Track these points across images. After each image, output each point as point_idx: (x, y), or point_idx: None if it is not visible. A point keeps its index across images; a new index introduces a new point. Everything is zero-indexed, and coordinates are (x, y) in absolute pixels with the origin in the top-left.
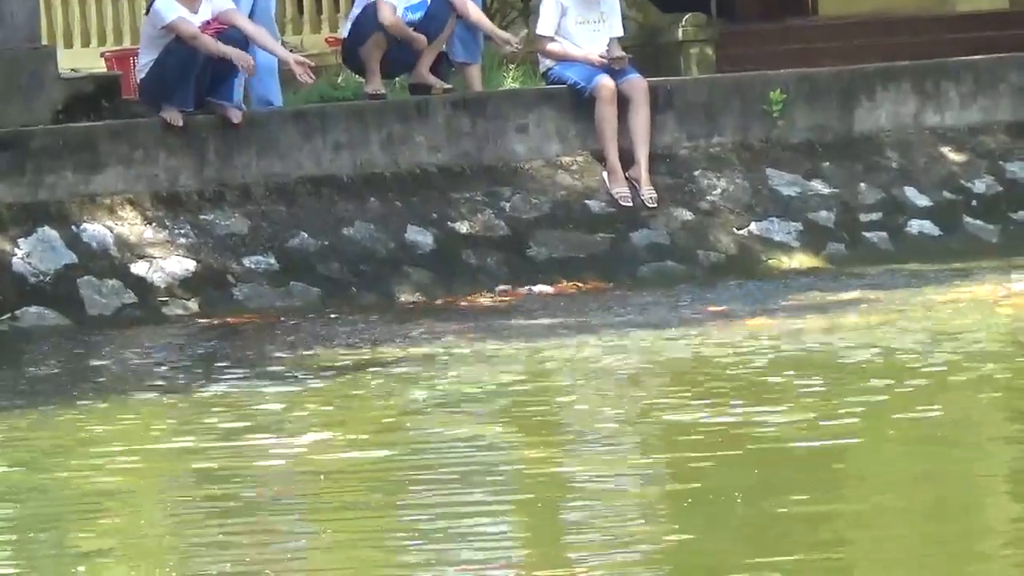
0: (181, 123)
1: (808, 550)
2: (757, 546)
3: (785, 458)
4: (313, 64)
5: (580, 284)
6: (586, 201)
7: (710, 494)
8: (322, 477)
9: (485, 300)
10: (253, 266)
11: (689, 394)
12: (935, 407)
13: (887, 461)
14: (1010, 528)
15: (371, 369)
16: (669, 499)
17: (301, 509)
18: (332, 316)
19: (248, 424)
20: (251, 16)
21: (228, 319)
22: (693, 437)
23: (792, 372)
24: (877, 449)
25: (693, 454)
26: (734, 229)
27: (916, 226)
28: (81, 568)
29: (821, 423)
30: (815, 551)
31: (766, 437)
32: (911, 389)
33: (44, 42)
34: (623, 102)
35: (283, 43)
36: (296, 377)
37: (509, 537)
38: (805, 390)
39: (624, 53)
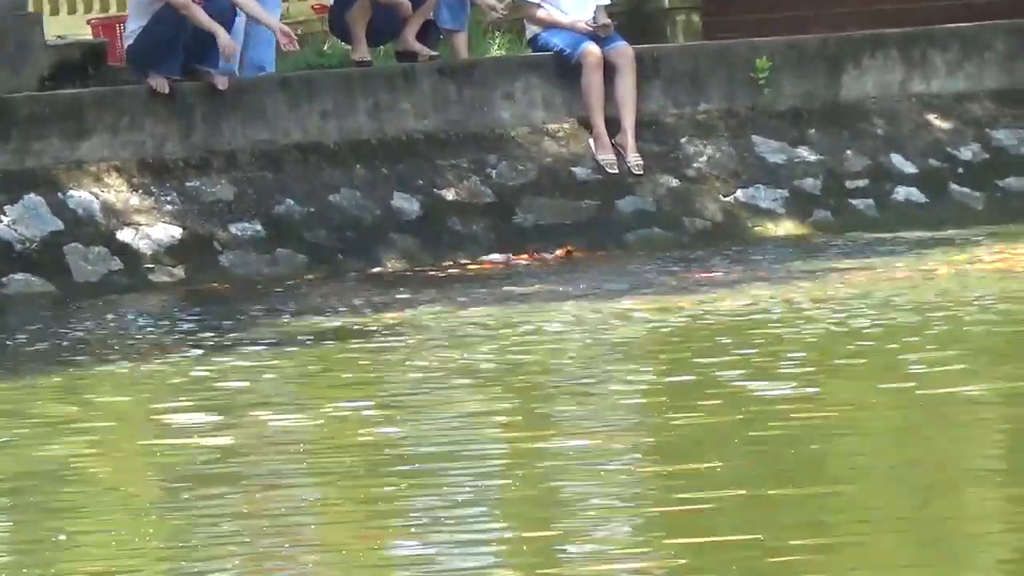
0: (168, 90)
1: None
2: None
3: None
4: (298, 32)
5: (569, 251)
6: (572, 168)
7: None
8: (301, 447)
9: (472, 267)
10: (239, 233)
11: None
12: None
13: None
14: None
15: (355, 339)
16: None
17: (282, 478)
18: (318, 283)
19: (232, 393)
20: None
21: (214, 285)
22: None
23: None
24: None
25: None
26: (720, 196)
27: (903, 193)
28: (59, 526)
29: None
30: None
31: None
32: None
33: (30, 9)
34: (609, 69)
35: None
36: (279, 345)
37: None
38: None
39: (610, 20)
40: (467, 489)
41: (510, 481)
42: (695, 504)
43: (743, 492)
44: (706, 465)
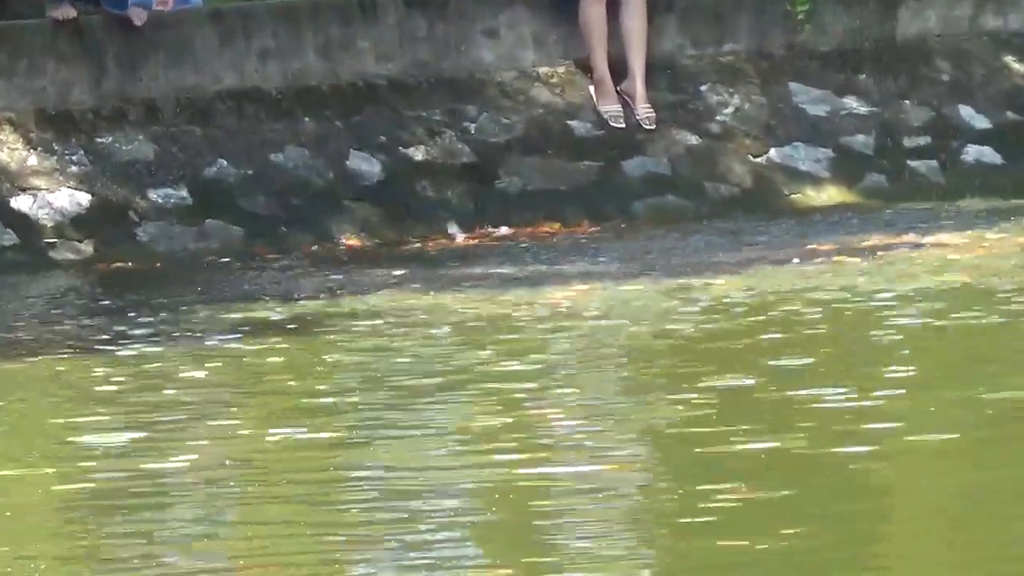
0: (75, 14)
1: None
2: None
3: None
4: None
5: (561, 224)
6: (568, 122)
7: None
8: (227, 463)
9: (444, 242)
10: (161, 200)
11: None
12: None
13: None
14: None
15: (299, 332)
16: None
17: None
18: (256, 261)
19: (148, 394)
20: None
21: (129, 264)
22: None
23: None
24: None
25: None
26: (750, 156)
27: (973, 153)
28: None
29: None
30: None
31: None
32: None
33: None
34: (614, 1)
35: None
36: (207, 338)
37: None
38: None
39: None
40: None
41: None
42: None
43: None
44: None
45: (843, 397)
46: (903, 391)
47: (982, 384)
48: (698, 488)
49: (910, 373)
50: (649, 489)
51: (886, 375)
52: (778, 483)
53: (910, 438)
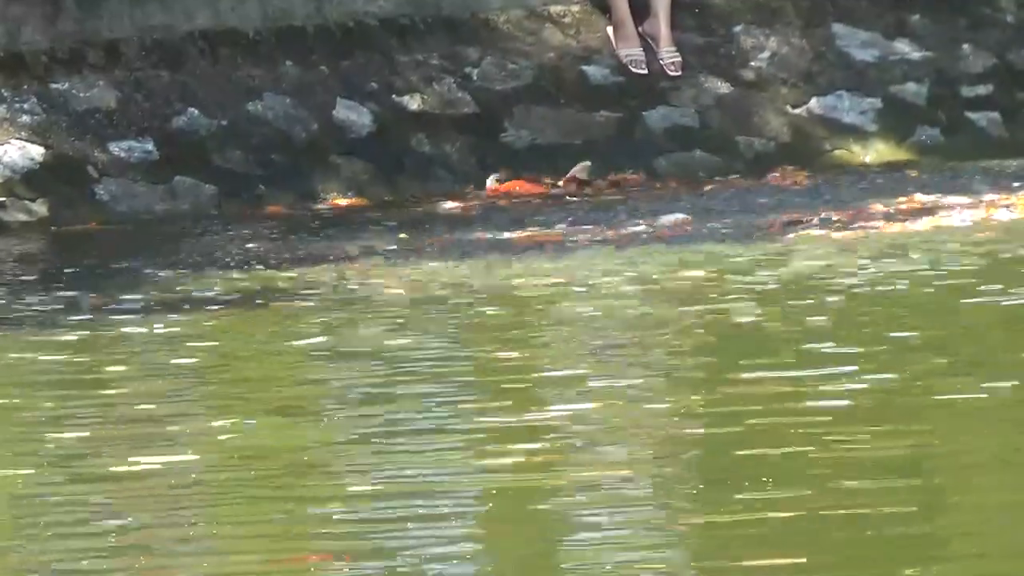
0: None
1: None
2: None
3: None
4: None
5: (581, 180)
6: (583, 67)
7: None
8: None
9: (443, 202)
10: (124, 154)
11: None
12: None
13: None
14: None
15: (278, 303)
16: None
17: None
18: (231, 223)
19: (110, 373)
20: None
21: (88, 227)
22: None
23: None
24: None
25: None
26: (788, 107)
27: None
28: None
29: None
30: None
31: None
32: None
33: None
34: None
35: None
36: (174, 314)
37: None
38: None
39: None
40: None
41: None
42: None
43: None
44: None
45: None
46: None
47: None
48: None
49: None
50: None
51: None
52: None
53: None
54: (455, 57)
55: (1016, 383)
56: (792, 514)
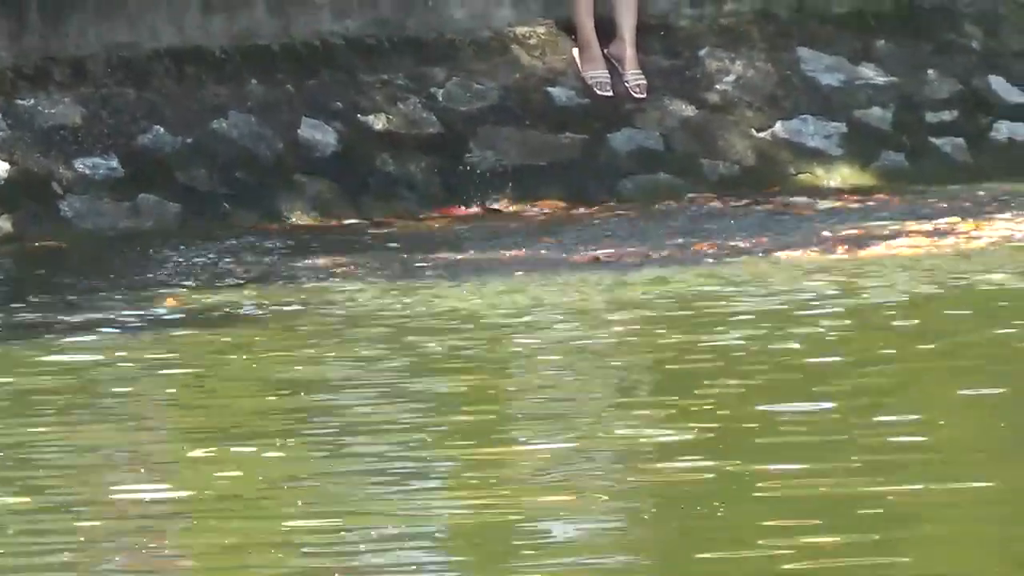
0: None
1: None
2: None
3: None
4: None
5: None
6: (549, 89)
7: None
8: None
9: (407, 223)
10: (88, 171)
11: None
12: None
13: None
14: None
15: (248, 329)
16: None
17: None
18: (195, 242)
19: (72, 396)
20: None
21: (52, 244)
22: None
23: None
24: None
25: None
26: (753, 130)
27: (1005, 130)
28: None
29: None
30: None
31: None
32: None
33: None
34: None
35: None
36: (134, 329)
37: None
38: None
39: None
40: None
41: None
42: None
43: None
44: None
45: None
46: None
47: None
48: None
49: None
50: None
51: None
52: None
53: None
54: (421, 77)
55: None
56: None
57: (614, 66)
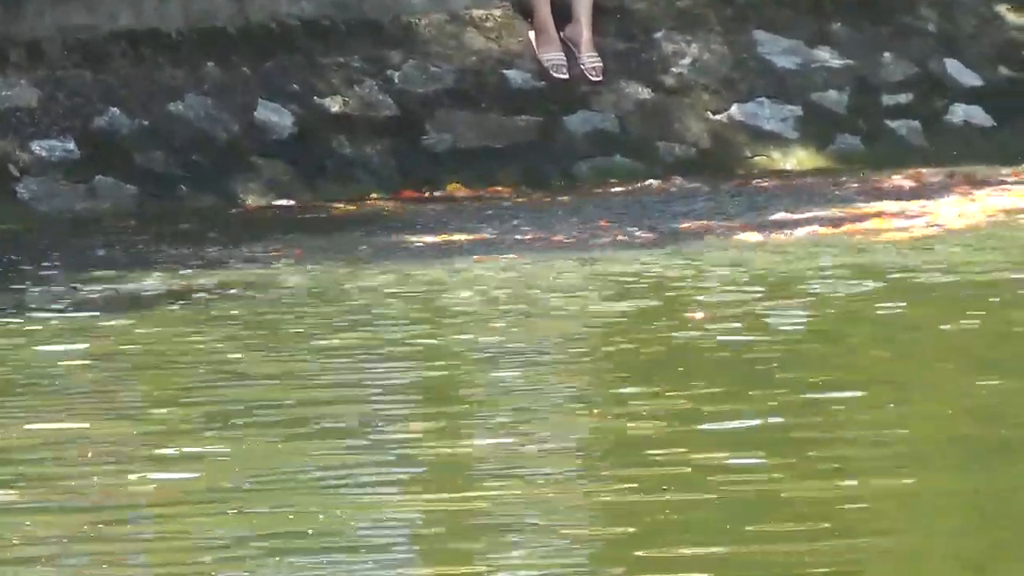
0: None
1: None
2: None
3: None
4: None
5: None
6: (505, 71)
7: None
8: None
9: (363, 205)
10: (44, 153)
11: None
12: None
13: None
14: None
15: (190, 309)
16: None
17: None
18: (151, 224)
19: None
20: None
21: (7, 227)
22: None
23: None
24: None
25: None
26: (709, 113)
27: (961, 112)
28: None
29: None
30: None
31: None
32: None
33: None
34: None
35: None
36: (83, 317)
37: None
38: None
39: None
40: None
41: None
42: None
43: None
44: None
45: None
46: None
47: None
48: None
49: None
50: None
51: None
52: None
53: None
54: (377, 60)
55: None
56: None
57: (570, 49)
